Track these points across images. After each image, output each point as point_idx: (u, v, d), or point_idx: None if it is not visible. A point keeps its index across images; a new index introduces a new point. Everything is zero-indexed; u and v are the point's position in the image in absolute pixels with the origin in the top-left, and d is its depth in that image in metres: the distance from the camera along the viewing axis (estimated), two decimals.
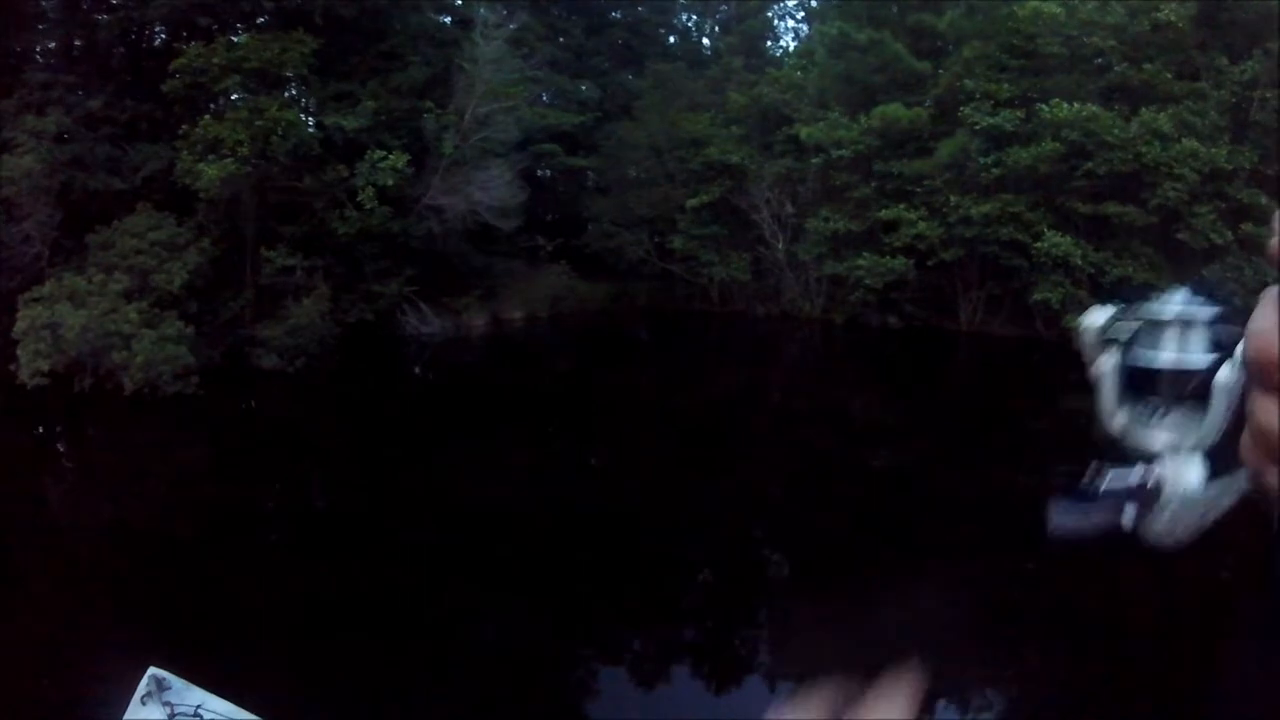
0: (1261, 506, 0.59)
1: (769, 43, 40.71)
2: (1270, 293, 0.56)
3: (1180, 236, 23.26)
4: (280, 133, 19.96)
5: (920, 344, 29.23)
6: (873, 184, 29.08)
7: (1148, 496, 0.72)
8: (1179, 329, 0.75)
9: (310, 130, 22.48)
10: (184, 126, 20.17)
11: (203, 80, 20.03)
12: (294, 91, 23.32)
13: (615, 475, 16.90)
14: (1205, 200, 22.96)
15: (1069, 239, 24.92)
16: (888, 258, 28.23)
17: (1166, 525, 0.72)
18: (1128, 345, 0.79)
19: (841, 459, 18.07)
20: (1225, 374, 0.70)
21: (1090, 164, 24.47)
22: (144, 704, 6.07)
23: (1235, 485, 0.68)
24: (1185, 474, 0.72)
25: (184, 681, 6.29)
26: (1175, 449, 0.74)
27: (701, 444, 18.51)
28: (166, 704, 6.10)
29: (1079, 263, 24.68)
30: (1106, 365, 0.79)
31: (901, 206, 28.28)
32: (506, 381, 24.99)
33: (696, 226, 32.00)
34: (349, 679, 8.85)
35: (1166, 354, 0.75)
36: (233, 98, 21.11)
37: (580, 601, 11.16)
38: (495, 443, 18.63)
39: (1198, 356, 0.74)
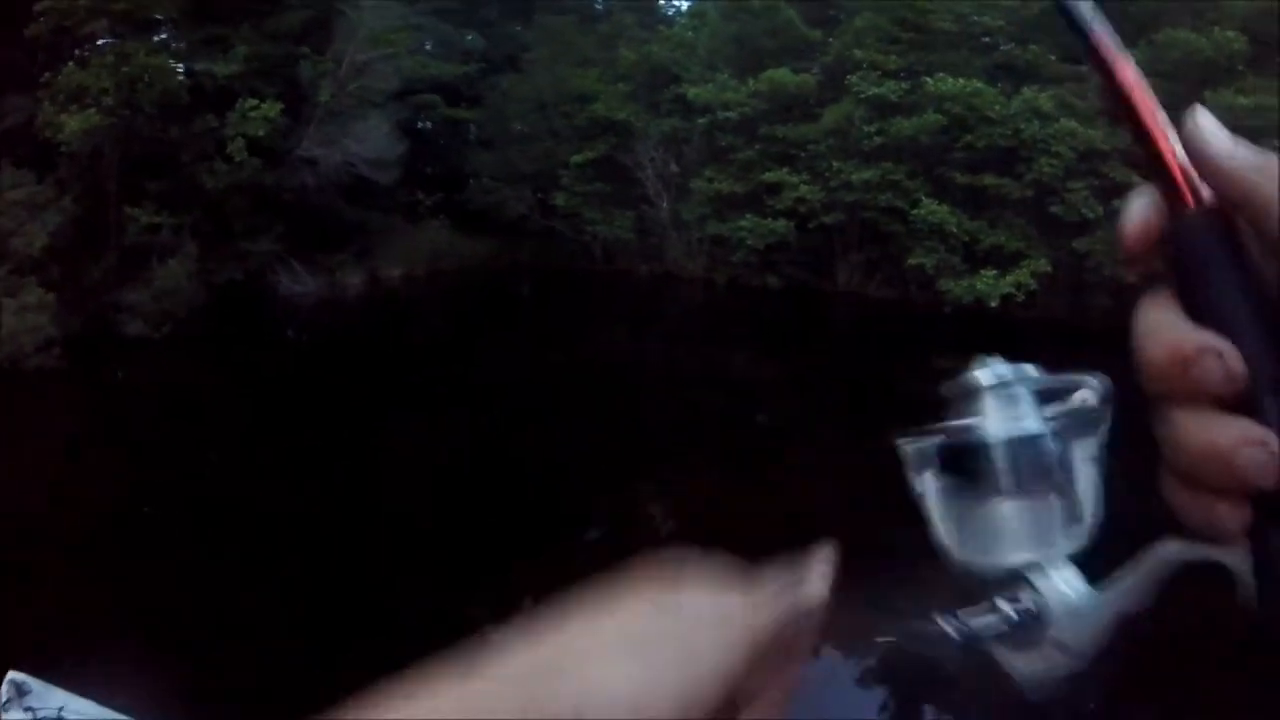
0: (1214, 564, 0.47)
1: (662, 1, 40.13)
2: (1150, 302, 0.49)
3: (1054, 210, 24.60)
4: (148, 80, 18.28)
5: (799, 304, 30.06)
6: (758, 147, 29.36)
7: (1022, 635, 0.55)
8: (999, 396, 0.62)
9: (179, 77, 20.66)
10: (47, 75, 18.12)
11: (68, 24, 18.01)
12: (163, 36, 21.30)
13: (495, 438, 16.63)
14: (1079, 177, 24.20)
15: (945, 207, 25.99)
16: (770, 220, 28.71)
17: (1052, 661, 0.55)
18: (945, 447, 0.64)
19: (719, 416, 18.53)
20: (1082, 426, 0.59)
21: (970, 137, 25.51)
22: (6, 710, 5.69)
23: (1141, 577, 0.53)
24: (1063, 589, 0.55)
25: (44, 684, 5.92)
26: (1040, 559, 0.57)
27: (584, 405, 18.52)
28: (28, 709, 5.75)
29: (954, 230, 25.82)
30: (928, 484, 0.64)
31: (785, 170, 28.73)
32: (382, 344, 24.18)
33: (581, 184, 31.58)
34: (223, 669, 8.51)
35: (993, 423, 0.60)
36: (98, 43, 19.07)
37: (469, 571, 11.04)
38: (370, 410, 18.09)
39: (1031, 421, 0.60)
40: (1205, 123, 0.48)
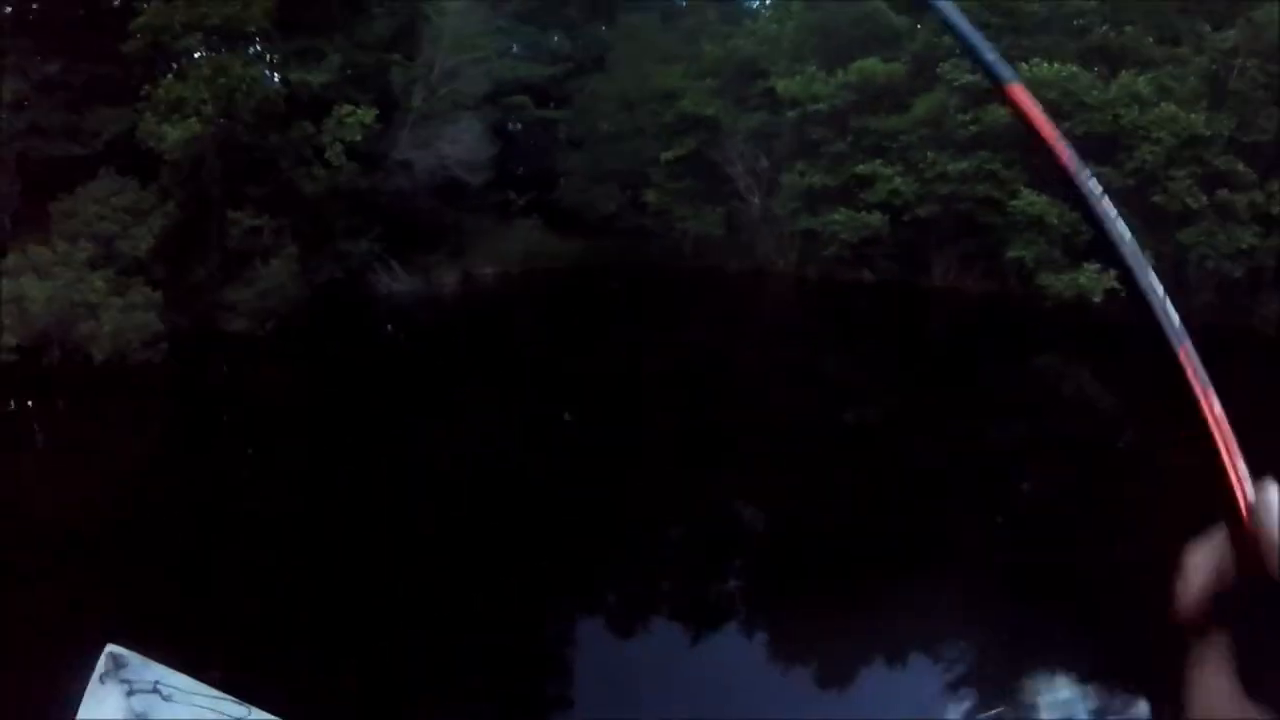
0: None
1: None
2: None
3: (1155, 200, 23.30)
4: (244, 90, 19.22)
5: (893, 300, 29.33)
6: (849, 139, 28.84)
7: None
8: None
9: (275, 87, 21.67)
10: (145, 87, 19.31)
11: (163, 39, 19.16)
12: (257, 48, 22.39)
13: (595, 440, 16.79)
14: (1181, 165, 22.97)
15: (1044, 198, 24.91)
16: (863, 213, 28.16)
17: None
18: None
19: (815, 418, 18.16)
20: None
21: (1068, 124, 24.30)
22: (103, 683, 5.96)
23: None
24: None
25: (141, 658, 6.18)
26: None
27: (676, 405, 18.49)
28: (125, 681, 6.00)
29: (1054, 222, 24.71)
30: None
31: (877, 162, 28.15)
32: (479, 341, 24.78)
33: (670, 180, 31.63)
34: (317, 654, 8.77)
35: None
36: (194, 56, 20.22)
37: (566, 569, 11.15)
38: (469, 406, 18.50)
39: None
40: (1272, 500, 0.54)
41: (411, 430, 16.50)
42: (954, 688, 8.93)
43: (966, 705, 8.59)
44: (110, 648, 6.23)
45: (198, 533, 11.59)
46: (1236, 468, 0.56)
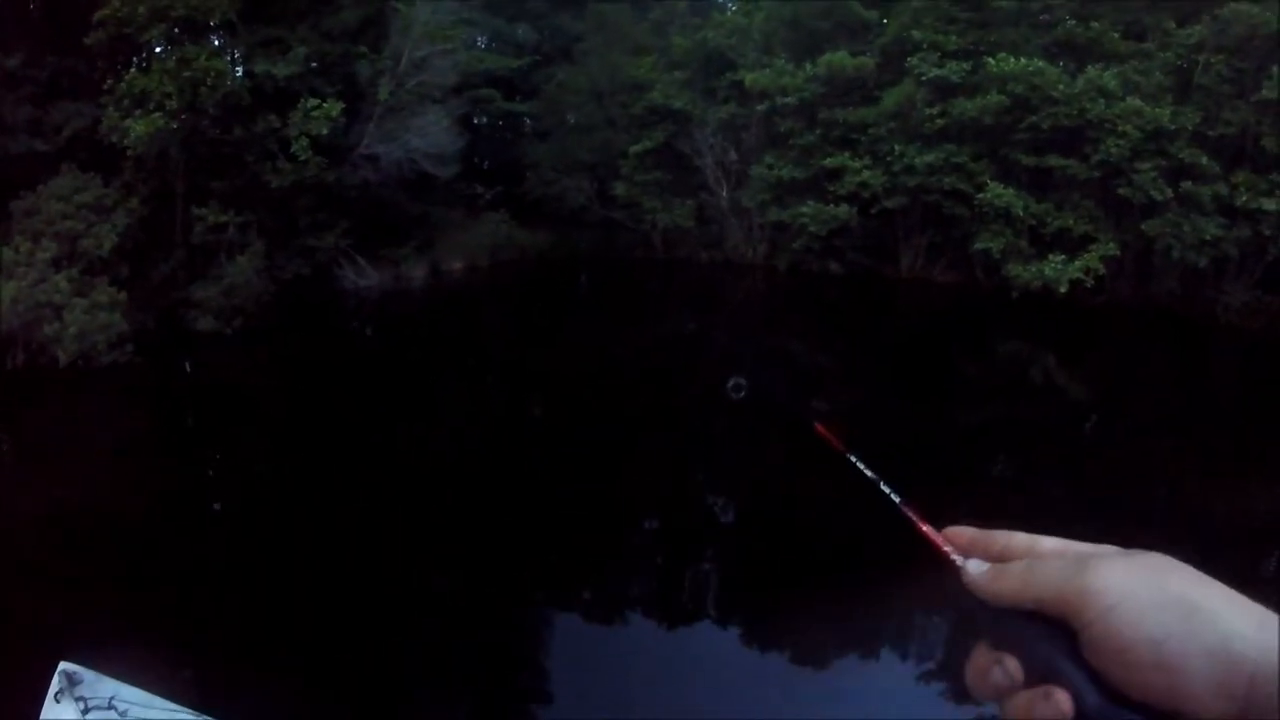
0: None
1: None
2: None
3: (1121, 191, 23.71)
4: (209, 83, 18.72)
5: (862, 291, 29.61)
6: (817, 131, 28.96)
7: None
8: None
9: (240, 80, 21.16)
10: (109, 81, 18.76)
11: (127, 31, 18.58)
12: (222, 39, 21.86)
13: (565, 433, 16.69)
14: (1147, 157, 23.33)
15: (1011, 190, 25.27)
16: (831, 205, 28.32)
17: None
18: None
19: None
20: None
21: (1035, 117, 24.73)
22: (58, 701, 5.85)
23: None
24: None
25: (95, 674, 6.07)
26: None
27: (646, 396, 18.50)
28: (80, 699, 5.89)
29: (1020, 214, 25.09)
30: None
31: (846, 154, 28.29)
32: (448, 336, 24.58)
33: (639, 172, 31.56)
34: (277, 663, 8.62)
35: None
36: (157, 50, 19.67)
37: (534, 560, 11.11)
38: (439, 402, 18.33)
39: None
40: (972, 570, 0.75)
41: (382, 428, 16.30)
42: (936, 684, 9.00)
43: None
44: (63, 665, 6.09)
45: (166, 539, 11.34)
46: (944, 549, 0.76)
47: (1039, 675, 0.65)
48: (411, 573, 10.68)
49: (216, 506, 13.84)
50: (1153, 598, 0.60)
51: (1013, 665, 0.67)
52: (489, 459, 14.89)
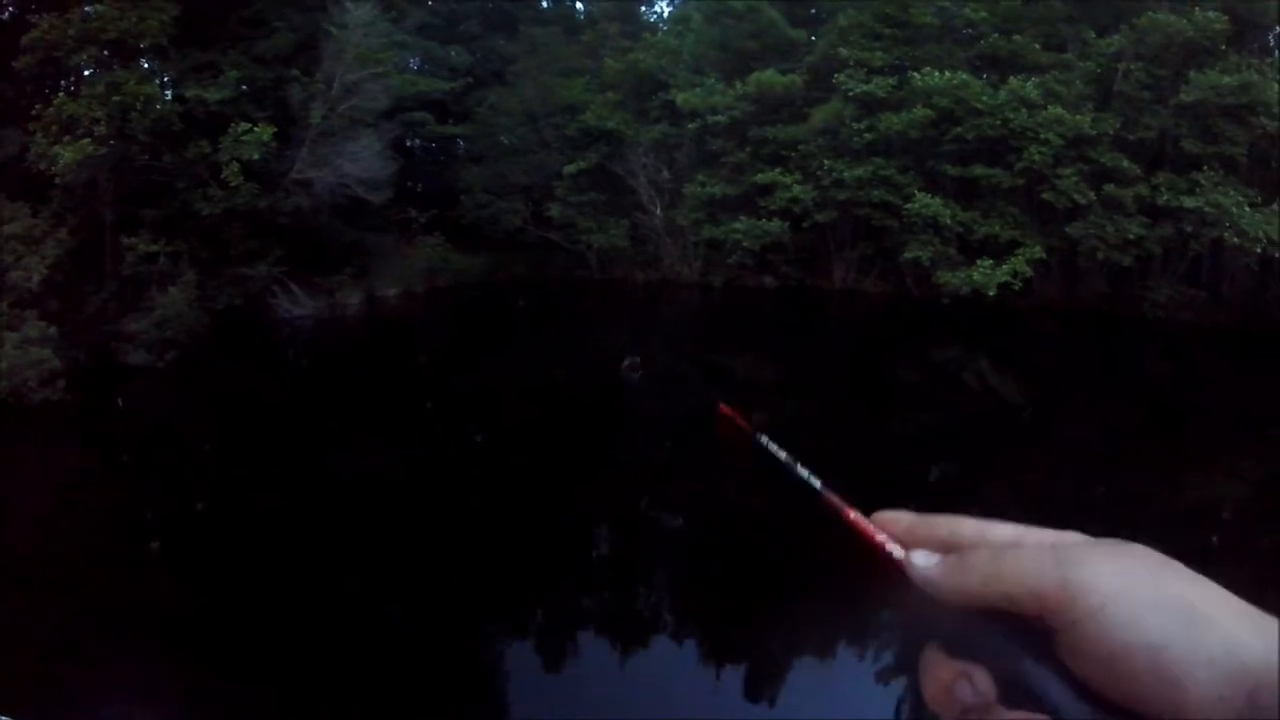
0: None
1: (644, 8, 40.22)
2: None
3: (1045, 197, 24.75)
4: (139, 108, 18.19)
5: (796, 304, 30.18)
6: (748, 149, 29.56)
7: None
8: None
9: (170, 104, 20.58)
10: (37, 106, 18.05)
11: (57, 54, 17.93)
12: (152, 63, 21.23)
13: (503, 457, 16.51)
14: (1069, 163, 24.40)
15: (938, 200, 26.12)
16: (764, 221, 28.86)
17: None
18: None
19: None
20: None
21: (959, 129, 25.67)
22: None
23: None
24: None
25: None
26: None
27: (585, 416, 18.51)
28: None
29: (948, 222, 25.94)
30: None
31: (777, 171, 28.90)
32: (383, 364, 24.08)
33: (574, 194, 31.67)
34: (226, 699, 8.40)
35: None
36: (86, 74, 18.99)
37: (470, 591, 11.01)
38: (376, 431, 17.96)
39: None
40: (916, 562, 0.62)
41: (320, 459, 15.94)
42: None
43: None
44: None
45: (103, 578, 10.91)
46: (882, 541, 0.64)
47: (1012, 687, 0.56)
48: (350, 603, 10.38)
49: (154, 545, 13.36)
50: (1148, 598, 0.53)
51: (981, 678, 0.58)
52: (428, 485, 14.68)
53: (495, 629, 10.52)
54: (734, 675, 9.49)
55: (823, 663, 9.78)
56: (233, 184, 21.51)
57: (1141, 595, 0.53)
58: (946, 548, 0.62)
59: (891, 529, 0.64)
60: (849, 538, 0.65)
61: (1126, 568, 0.55)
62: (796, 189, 28.44)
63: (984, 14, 27.11)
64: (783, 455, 0.72)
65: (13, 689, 8.47)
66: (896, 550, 0.63)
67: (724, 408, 0.80)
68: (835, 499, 0.66)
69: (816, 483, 0.69)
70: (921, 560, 0.61)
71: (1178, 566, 0.55)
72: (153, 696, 8.38)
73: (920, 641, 0.62)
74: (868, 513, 0.65)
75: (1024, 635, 0.56)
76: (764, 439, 0.74)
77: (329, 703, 8.35)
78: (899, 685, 8.74)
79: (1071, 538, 0.60)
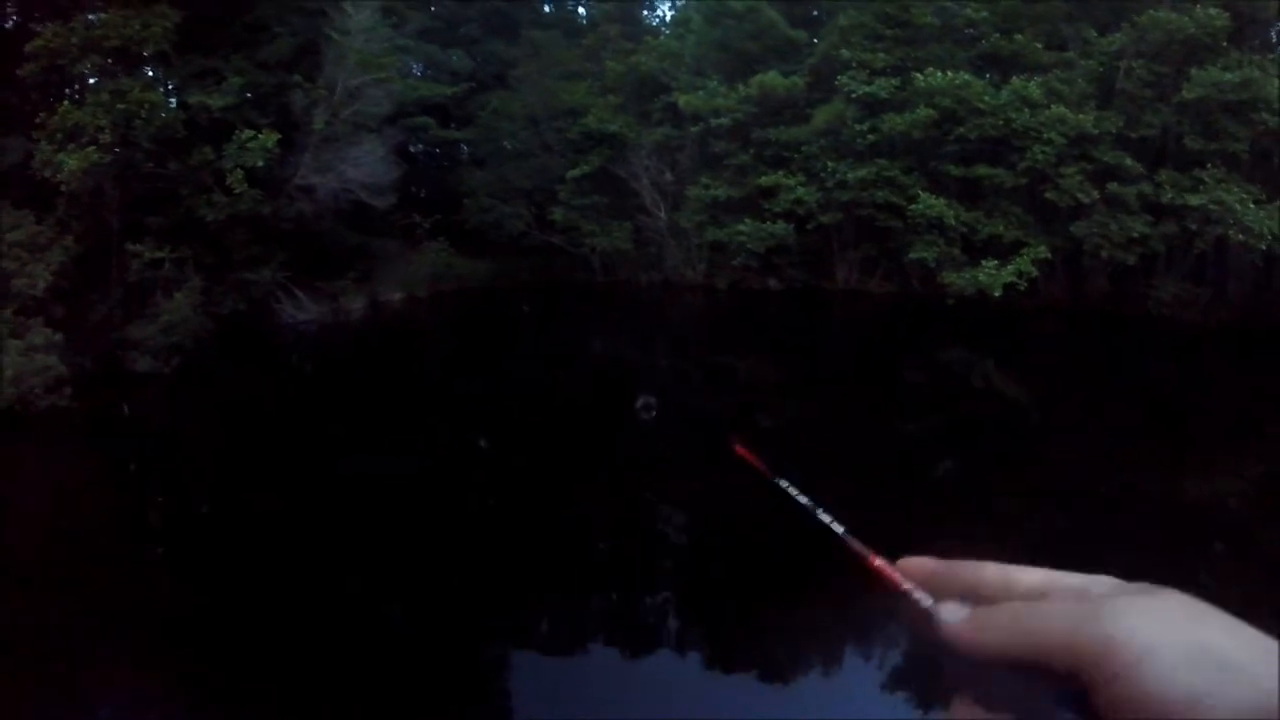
0: None
1: (645, 10, 40.34)
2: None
3: (1048, 196, 24.73)
4: (143, 115, 18.25)
5: (800, 305, 30.17)
6: (751, 151, 29.55)
7: None
8: None
9: (174, 111, 20.65)
10: (41, 114, 18.14)
11: (61, 63, 18.01)
12: (156, 71, 21.32)
13: (511, 462, 16.48)
14: (1072, 162, 24.36)
15: (942, 200, 26.11)
16: (768, 223, 28.85)
17: None
18: None
19: (724, 422, 18.36)
20: None
21: (962, 129, 25.66)
22: None
23: None
24: None
25: None
26: None
27: (591, 421, 18.47)
28: None
29: (952, 223, 25.93)
30: None
31: (780, 173, 28.90)
32: (388, 369, 24.11)
33: (577, 197, 31.69)
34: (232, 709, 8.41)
35: None
36: (91, 81, 19.06)
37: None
38: (381, 437, 17.96)
39: None
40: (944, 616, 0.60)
41: (325, 464, 15.95)
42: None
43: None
44: None
45: (109, 584, 10.93)
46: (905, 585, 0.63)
47: None
48: (355, 606, 10.36)
49: (160, 551, 13.39)
50: (1184, 649, 0.51)
51: None
52: (432, 489, 14.65)
53: (499, 634, 10.48)
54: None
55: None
56: (237, 190, 21.56)
57: (1178, 646, 0.51)
58: (971, 595, 0.61)
59: (915, 574, 0.63)
60: (873, 583, 0.63)
61: (1162, 618, 0.53)
62: (800, 191, 28.45)
63: (985, 14, 27.13)
64: (804, 500, 0.70)
65: (13, 689, 8.53)
66: (924, 599, 0.61)
67: (739, 448, 0.77)
68: (858, 545, 0.65)
69: (839, 528, 0.67)
70: (949, 614, 0.60)
71: (1212, 612, 0.54)
72: (157, 699, 8.41)
73: (949, 691, 0.60)
74: (892, 559, 0.64)
75: (1057, 688, 0.54)
76: (783, 483, 0.72)
77: (332, 704, 8.35)
78: None
79: (1101, 584, 0.58)
